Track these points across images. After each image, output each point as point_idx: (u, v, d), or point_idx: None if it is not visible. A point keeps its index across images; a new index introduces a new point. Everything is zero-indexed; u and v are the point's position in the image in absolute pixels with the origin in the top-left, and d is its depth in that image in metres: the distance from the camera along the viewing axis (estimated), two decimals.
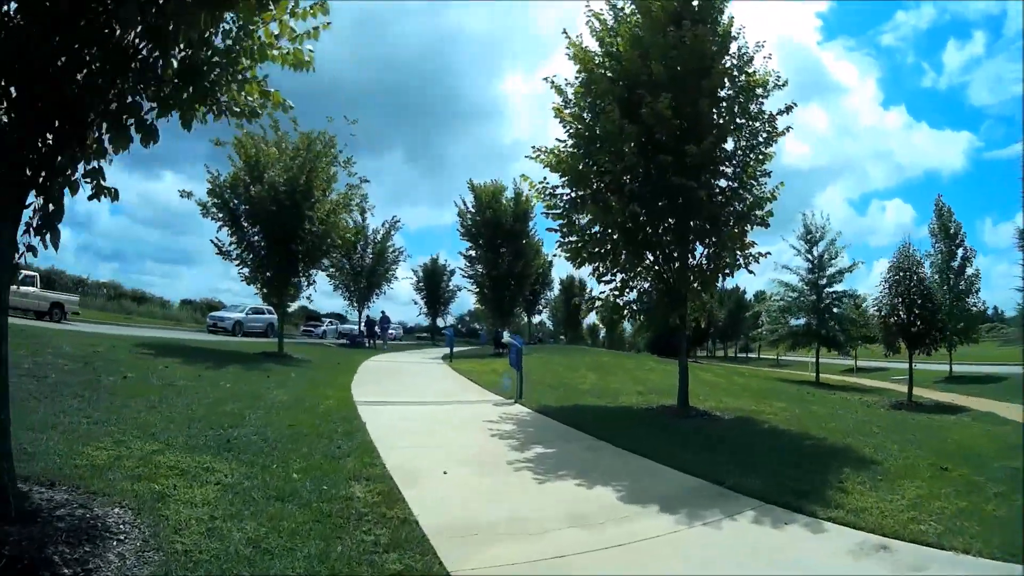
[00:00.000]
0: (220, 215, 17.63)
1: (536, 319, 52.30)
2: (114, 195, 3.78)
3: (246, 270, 18.62)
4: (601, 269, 10.90)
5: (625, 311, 11.27)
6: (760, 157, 10.51)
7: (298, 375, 13.18)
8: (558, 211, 10.71)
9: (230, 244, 18.10)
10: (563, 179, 10.63)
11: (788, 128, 10.42)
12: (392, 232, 36.29)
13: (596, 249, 10.59)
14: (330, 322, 40.14)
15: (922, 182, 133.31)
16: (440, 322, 45.13)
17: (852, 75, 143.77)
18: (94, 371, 9.40)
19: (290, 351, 18.52)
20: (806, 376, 27.53)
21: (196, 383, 9.85)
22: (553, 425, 9.11)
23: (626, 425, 9.08)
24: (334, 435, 6.97)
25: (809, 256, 26.78)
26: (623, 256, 10.65)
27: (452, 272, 48.48)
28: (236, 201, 17.58)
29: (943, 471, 6.73)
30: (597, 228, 10.71)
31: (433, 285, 46.60)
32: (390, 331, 50.23)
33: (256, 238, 18.34)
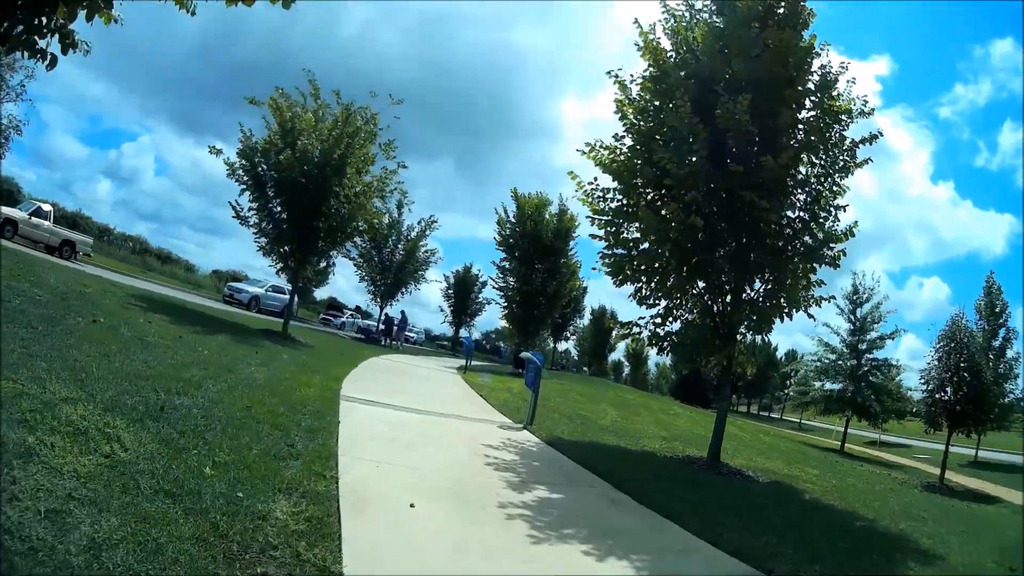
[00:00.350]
0: (246, 179, 16.68)
1: (562, 346, 50.16)
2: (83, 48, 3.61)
3: (264, 240, 17.58)
4: (644, 291, 9.66)
5: (665, 342, 9.84)
6: (835, 188, 9.47)
7: (291, 357, 12.12)
8: (606, 216, 9.44)
9: (249, 210, 17.12)
10: (615, 184, 9.37)
11: (869, 159, 9.39)
12: (427, 232, 35.32)
13: (642, 266, 9.37)
14: (351, 314, 39.27)
15: (962, 262, 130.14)
16: (464, 333, 43.70)
17: (907, 143, 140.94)
18: (67, 308, 8.49)
19: (297, 334, 17.47)
20: (830, 443, 25.98)
21: (171, 343, 8.83)
22: (563, 462, 7.85)
23: (649, 473, 7.75)
24: (293, 429, 5.86)
25: (852, 317, 25.89)
26: (671, 278, 9.32)
27: (483, 283, 47.56)
28: (265, 166, 16.67)
29: (1011, 571, 6.35)
30: (646, 244, 9.36)
31: (463, 293, 45.59)
32: (409, 334, 49.65)
33: (278, 208, 17.34)
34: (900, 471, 16.63)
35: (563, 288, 27.46)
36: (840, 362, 25.39)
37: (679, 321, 9.91)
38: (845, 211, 9.52)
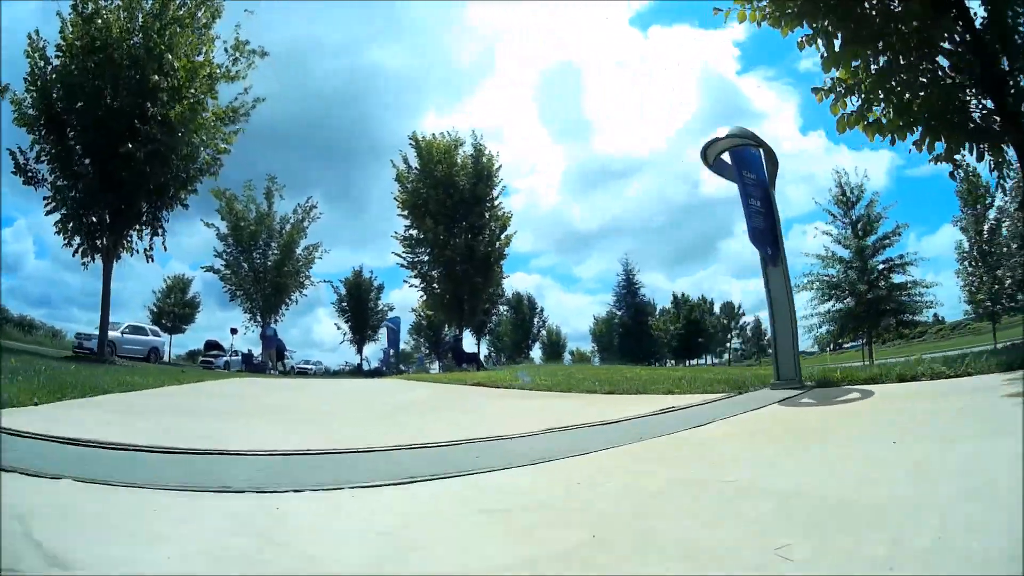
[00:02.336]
0: (39, 119, 12.48)
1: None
2: None
3: (63, 210, 11.72)
4: None
5: None
6: None
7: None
8: None
9: (41, 161, 11.27)
10: None
11: None
12: (305, 222, 29.14)
13: None
14: (235, 352, 32.02)
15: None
16: (368, 352, 37.58)
17: (771, 102, 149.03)
18: None
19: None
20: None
21: None
22: None
23: None
24: None
25: (847, 220, 23.61)
26: None
27: (381, 287, 41.63)
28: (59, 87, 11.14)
29: None
30: None
31: (359, 303, 39.52)
32: (306, 365, 42.82)
33: (79, 153, 11.42)
34: None
35: (495, 248, 21.95)
36: (849, 273, 22.86)
37: None
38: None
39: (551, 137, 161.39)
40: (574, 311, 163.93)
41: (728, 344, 62.68)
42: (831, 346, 31.78)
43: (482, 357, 21.24)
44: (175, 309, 41.63)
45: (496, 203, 23.47)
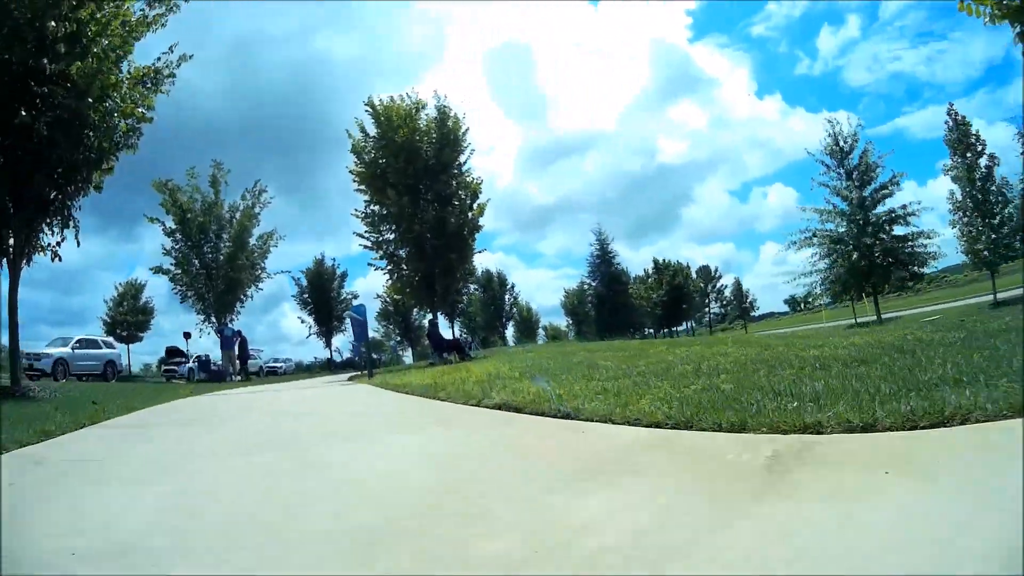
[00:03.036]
0: None
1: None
2: None
3: None
4: None
5: None
6: None
7: None
8: None
9: None
10: None
11: None
12: (256, 207, 26.88)
13: None
14: (198, 357, 29.74)
15: (802, 164, 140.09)
16: (339, 342, 35.58)
17: (724, 68, 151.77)
18: None
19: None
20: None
21: None
22: None
23: None
24: None
25: (842, 171, 22.76)
26: None
27: (344, 275, 39.55)
28: None
29: None
30: None
31: (321, 293, 37.42)
32: (276, 363, 40.94)
33: None
34: None
35: (467, 219, 20.09)
36: (851, 226, 22.13)
37: None
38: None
39: (505, 115, 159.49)
40: (539, 287, 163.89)
41: (707, 309, 61.81)
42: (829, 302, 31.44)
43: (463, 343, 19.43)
44: (127, 317, 38.83)
45: (464, 170, 21.35)
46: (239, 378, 26.25)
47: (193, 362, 29.24)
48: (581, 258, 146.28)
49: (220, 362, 26.33)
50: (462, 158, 21.09)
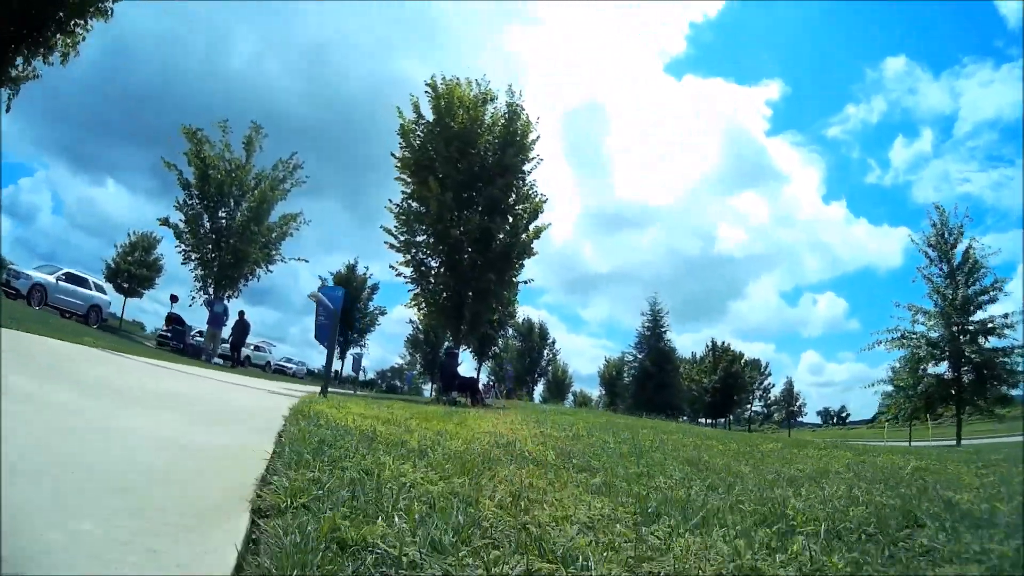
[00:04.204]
0: None
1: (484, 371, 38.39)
2: None
3: None
4: None
5: None
6: None
7: None
8: None
9: None
10: None
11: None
12: (288, 181, 23.91)
13: None
14: (169, 320, 26.40)
15: (857, 277, 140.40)
16: (352, 356, 32.15)
17: (795, 165, 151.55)
18: None
19: None
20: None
21: None
22: None
23: None
24: None
25: (944, 266, 19.71)
26: None
27: (375, 287, 36.24)
28: None
29: None
30: None
31: (347, 303, 34.03)
32: (288, 363, 39.24)
33: None
34: None
35: (519, 238, 16.41)
36: (937, 332, 19.48)
37: None
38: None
39: (571, 172, 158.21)
40: (575, 352, 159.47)
41: (749, 405, 56.03)
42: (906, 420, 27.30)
43: (482, 385, 15.31)
44: (131, 268, 36.32)
45: (527, 182, 17.54)
46: (221, 362, 22.96)
47: (166, 328, 26.04)
48: (621, 331, 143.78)
49: (202, 338, 23.10)
50: (527, 166, 17.39)
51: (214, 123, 24.13)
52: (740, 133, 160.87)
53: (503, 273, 17.12)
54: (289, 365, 39.48)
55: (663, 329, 45.02)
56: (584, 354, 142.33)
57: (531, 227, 17.39)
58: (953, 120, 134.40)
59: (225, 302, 22.72)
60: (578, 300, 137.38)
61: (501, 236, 16.68)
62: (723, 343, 49.73)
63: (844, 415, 55.66)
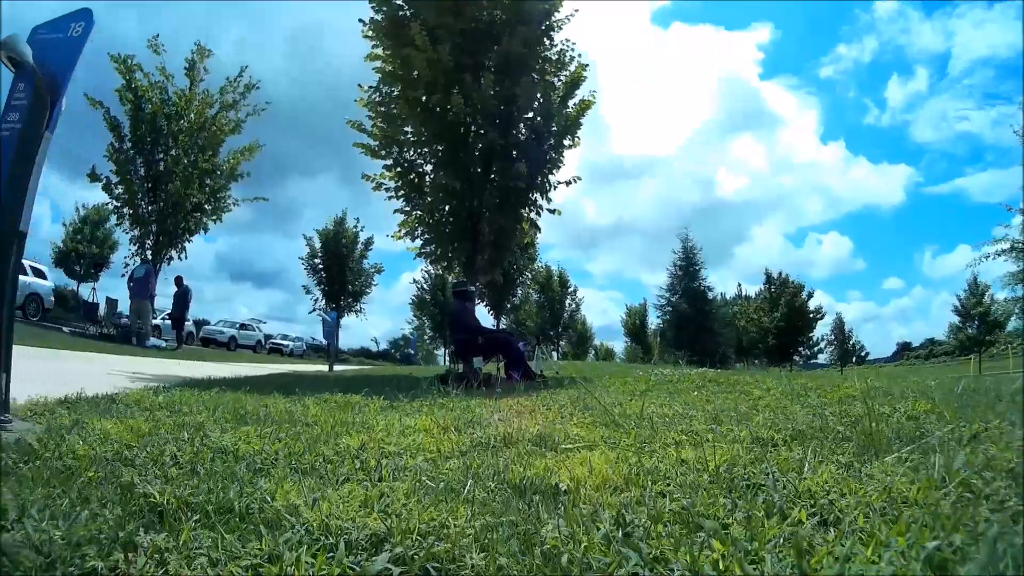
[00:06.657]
0: None
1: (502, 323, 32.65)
2: None
3: None
4: None
5: None
6: None
7: None
8: None
9: None
10: None
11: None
12: (241, 100, 18.86)
13: None
14: (164, 316, 22.08)
15: (860, 215, 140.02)
16: (322, 317, 26.78)
17: (791, 108, 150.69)
18: None
19: None
20: None
21: None
22: None
23: None
24: None
25: None
26: None
27: (370, 241, 31.19)
28: None
29: None
30: None
31: (338, 260, 29.32)
32: (285, 341, 37.13)
33: None
34: None
35: (554, 107, 11.15)
36: None
37: None
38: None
39: None
40: (585, 307, 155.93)
41: (822, 344, 49.68)
42: None
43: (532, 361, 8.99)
44: (79, 247, 30.96)
45: (555, 47, 11.68)
46: (165, 343, 18.06)
47: (164, 318, 21.55)
48: (628, 282, 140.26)
49: (118, 318, 18.28)
50: (558, 15, 11.46)
51: (147, 43, 18.98)
52: (733, 78, 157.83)
53: (539, 165, 11.34)
54: (285, 343, 36.44)
55: (697, 267, 39.77)
56: (593, 307, 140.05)
57: (570, 103, 11.73)
58: (947, 58, 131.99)
59: (148, 264, 17.49)
60: (583, 255, 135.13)
61: (530, 101, 11.06)
62: (780, 273, 43.97)
63: (864, 353, 52.27)
